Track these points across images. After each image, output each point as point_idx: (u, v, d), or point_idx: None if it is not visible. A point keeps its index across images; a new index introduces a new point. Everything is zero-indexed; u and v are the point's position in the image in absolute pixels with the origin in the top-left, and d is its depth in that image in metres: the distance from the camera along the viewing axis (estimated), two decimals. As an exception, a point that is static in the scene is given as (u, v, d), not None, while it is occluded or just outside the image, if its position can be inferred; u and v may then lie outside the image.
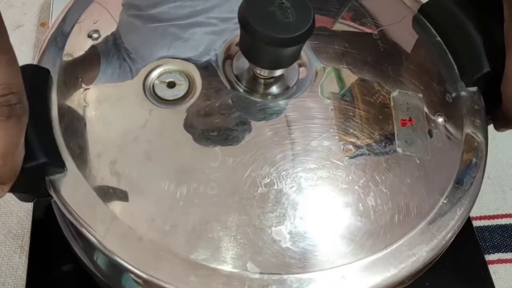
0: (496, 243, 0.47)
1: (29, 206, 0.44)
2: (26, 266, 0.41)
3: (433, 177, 0.30)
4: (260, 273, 0.26)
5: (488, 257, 0.46)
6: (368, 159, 0.29)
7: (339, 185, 0.29)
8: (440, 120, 0.32)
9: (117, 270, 0.29)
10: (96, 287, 0.37)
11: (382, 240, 0.28)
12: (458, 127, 0.32)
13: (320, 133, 0.30)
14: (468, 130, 0.32)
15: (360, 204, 0.28)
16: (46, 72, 0.30)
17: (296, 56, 0.29)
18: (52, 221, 0.41)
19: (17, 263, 0.42)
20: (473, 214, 0.48)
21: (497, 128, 0.34)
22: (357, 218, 0.28)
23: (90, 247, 0.32)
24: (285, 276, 0.26)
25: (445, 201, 0.29)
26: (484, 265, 0.45)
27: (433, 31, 0.36)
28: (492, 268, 0.45)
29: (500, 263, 0.46)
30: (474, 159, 0.31)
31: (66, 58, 0.31)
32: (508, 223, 0.49)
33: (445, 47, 0.35)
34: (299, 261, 0.27)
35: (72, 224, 0.27)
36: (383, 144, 0.30)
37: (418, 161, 0.30)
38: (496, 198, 0.50)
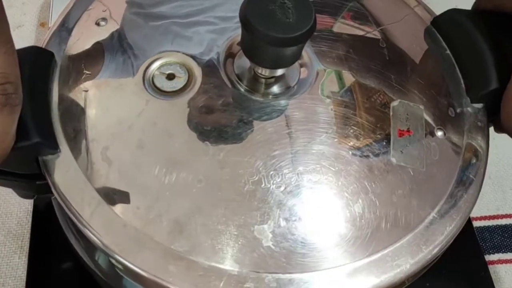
0: (496, 244, 0.47)
1: (29, 206, 0.45)
2: (26, 267, 0.42)
3: (425, 190, 0.29)
4: (239, 269, 0.26)
5: (488, 258, 0.46)
6: (360, 166, 0.29)
7: (328, 190, 0.28)
8: (440, 133, 0.31)
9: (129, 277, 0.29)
10: (97, 287, 0.37)
11: (366, 248, 0.27)
12: (457, 142, 0.31)
13: (316, 136, 0.30)
14: (468, 146, 0.31)
15: (347, 211, 0.28)
16: (51, 55, 0.30)
17: (297, 56, 0.29)
18: (52, 221, 0.41)
19: (17, 264, 0.42)
20: (473, 214, 0.48)
21: (497, 131, 0.34)
22: (343, 224, 0.28)
23: (91, 247, 0.32)
24: (263, 275, 0.26)
25: (435, 215, 0.29)
26: (484, 266, 0.45)
27: (444, 44, 0.35)
28: (492, 269, 0.45)
29: (500, 263, 0.46)
30: (471, 176, 0.31)
31: (72, 43, 0.32)
32: (508, 223, 0.48)
33: (454, 61, 0.34)
34: (279, 261, 0.26)
35: (73, 223, 0.28)
36: (378, 152, 0.30)
37: (412, 173, 0.29)
38: (496, 198, 0.50)
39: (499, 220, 0.48)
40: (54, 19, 0.32)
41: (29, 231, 0.43)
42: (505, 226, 0.48)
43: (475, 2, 0.35)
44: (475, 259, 0.45)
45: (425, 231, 0.28)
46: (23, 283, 0.41)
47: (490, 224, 0.48)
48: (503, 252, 0.47)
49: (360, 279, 0.27)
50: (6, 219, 0.44)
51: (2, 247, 0.43)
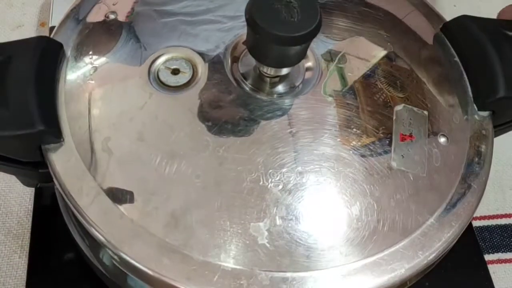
0: (495, 243, 0.47)
1: (29, 206, 0.45)
2: (26, 266, 0.42)
3: (425, 196, 0.29)
4: (233, 265, 0.26)
5: (488, 257, 0.46)
6: (360, 168, 0.29)
7: (326, 191, 0.28)
8: (443, 140, 0.31)
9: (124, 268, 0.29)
10: (98, 285, 0.38)
11: (361, 251, 0.27)
12: (460, 150, 0.31)
13: (318, 136, 0.30)
14: (471, 154, 0.31)
15: (344, 213, 0.28)
16: (59, 45, 0.31)
17: (302, 56, 0.29)
18: (52, 221, 0.42)
19: (17, 263, 0.42)
20: (473, 214, 0.48)
21: None
22: (339, 226, 0.28)
23: (96, 245, 0.33)
24: (257, 272, 0.26)
25: (434, 222, 0.29)
26: (483, 265, 0.45)
27: (453, 50, 0.35)
28: (491, 268, 0.45)
29: (500, 263, 0.46)
30: (473, 185, 0.30)
31: (81, 35, 0.32)
32: (507, 223, 0.49)
33: (463, 68, 0.34)
34: (274, 260, 0.26)
35: (78, 222, 0.28)
36: (379, 155, 0.30)
37: (412, 178, 0.29)
38: (496, 198, 0.50)
39: (499, 220, 0.49)
40: (54, 19, 0.33)
41: (29, 230, 0.43)
42: (505, 226, 0.48)
43: (500, 13, 0.35)
44: (474, 258, 0.45)
45: (423, 236, 0.28)
46: (23, 282, 0.41)
47: (490, 224, 0.48)
48: (502, 252, 0.47)
49: (355, 281, 0.27)
50: (6, 219, 0.44)
51: (2, 246, 0.43)
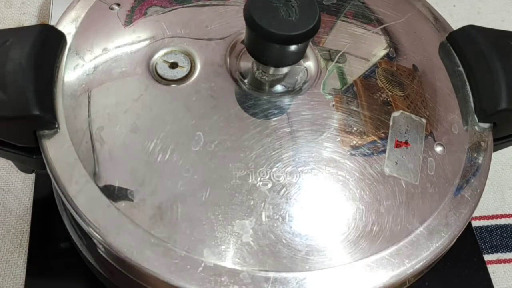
0: (495, 243, 0.47)
1: (28, 205, 0.45)
2: (24, 265, 0.42)
3: (416, 204, 0.29)
4: (215, 262, 0.26)
5: (487, 257, 0.46)
6: (352, 172, 0.29)
7: (315, 193, 0.28)
8: (439, 149, 0.31)
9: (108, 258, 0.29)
10: (98, 285, 0.38)
11: (347, 256, 0.27)
12: (457, 160, 0.31)
13: (312, 137, 0.30)
14: (467, 166, 0.31)
15: (332, 216, 0.28)
16: (61, 34, 0.31)
17: (300, 55, 0.29)
18: (51, 221, 0.42)
19: (16, 262, 0.42)
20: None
21: None
22: (325, 229, 0.27)
23: (94, 245, 0.32)
24: (239, 270, 0.26)
25: (423, 231, 0.28)
26: (483, 265, 0.45)
27: (457, 60, 0.35)
28: (491, 268, 0.45)
29: (499, 263, 0.46)
30: (467, 196, 0.30)
31: (83, 25, 0.32)
32: (507, 223, 0.48)
33: (466, 79, 0.34)
34: (257, 258, 0.26)
35: (76, 222, 0.28)
36: (372, 159, 0.29)
37: (403, 185, 0.29)
38: (495, 198, 0.50)
39: (498, 220, 0.48)
40: (54, 19, 0.33)
41: (28, 229, 0.43)
42: (504, 226, 0.48)
43: None
44: (474, 258, 0.45)
45: (410, 245, 0.28)
46: (22, 281, 0.41)
47: (489, 224, 0.48)
48: (502, 252, 0.47)
49: (337, 285, 0.26)
50: (5, 218, 0.44)
51: (1, 245, 0.43)
